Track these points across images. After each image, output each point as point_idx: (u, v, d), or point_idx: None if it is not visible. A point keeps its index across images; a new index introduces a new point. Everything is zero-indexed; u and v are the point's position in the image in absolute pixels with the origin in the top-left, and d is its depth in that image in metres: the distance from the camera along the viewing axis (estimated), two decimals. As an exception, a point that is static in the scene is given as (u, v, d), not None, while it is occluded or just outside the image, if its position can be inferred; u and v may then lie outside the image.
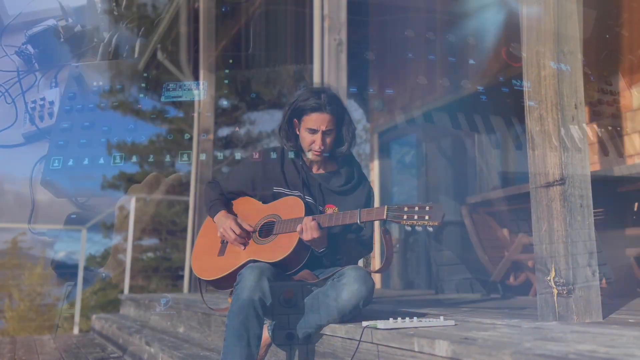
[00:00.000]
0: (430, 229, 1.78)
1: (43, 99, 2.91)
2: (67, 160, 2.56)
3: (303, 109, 2.12)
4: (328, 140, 2.13)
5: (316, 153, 2.13)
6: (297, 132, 2.18)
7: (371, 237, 2.17)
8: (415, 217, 1.78)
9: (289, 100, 2.20)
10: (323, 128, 2.10)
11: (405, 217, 1.80)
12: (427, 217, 1.77)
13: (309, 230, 1.94)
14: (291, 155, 2.22)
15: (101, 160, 2.56)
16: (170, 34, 5.89)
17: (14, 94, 2.88)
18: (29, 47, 2.99)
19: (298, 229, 1.96)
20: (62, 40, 3.08)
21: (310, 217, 1.97)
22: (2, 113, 2.82)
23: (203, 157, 5.66)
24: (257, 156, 2.28)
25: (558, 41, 1.87)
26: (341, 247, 2.10)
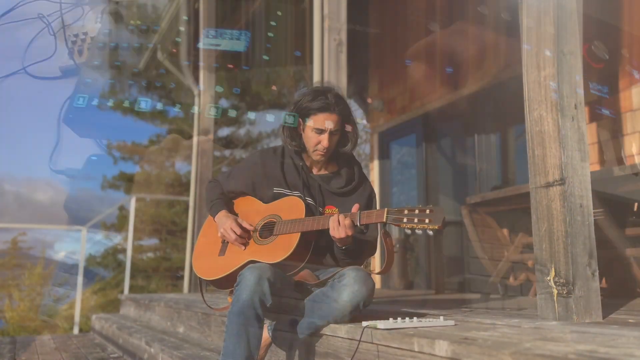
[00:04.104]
0: (431, 233, 1.76)
1: (85, 33, 2.70)
2: (92, 99, 2.35)
3: (310, 108, 2.08)
4: (334, 140, 2.12)
5: (321, 153, 2.11)
6: (301, 132, 2.16)
7: (376, 239, 2.13)
8: (416, 220, 1.76)
9: (294, 99, 2.18)
10: (331, 128, 2.07)
11: (405, 220, 1.77)
12: (427, 221, 1.74)
13: (342, 228, 1.88)
14: (291, 154, 2.20)
15: (126, 104, 2.39)
16: (170, 34, 5.89)
17: (60, 26, 2.59)
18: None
19: (330, 223, 1.89)
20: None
21: (342, 215, 1.91)
22: (44, 44, 2.59)
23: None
24: (258, 155, 2.28)
25: (558, 41, 1.87)
26: (347, 248, 2.08)
